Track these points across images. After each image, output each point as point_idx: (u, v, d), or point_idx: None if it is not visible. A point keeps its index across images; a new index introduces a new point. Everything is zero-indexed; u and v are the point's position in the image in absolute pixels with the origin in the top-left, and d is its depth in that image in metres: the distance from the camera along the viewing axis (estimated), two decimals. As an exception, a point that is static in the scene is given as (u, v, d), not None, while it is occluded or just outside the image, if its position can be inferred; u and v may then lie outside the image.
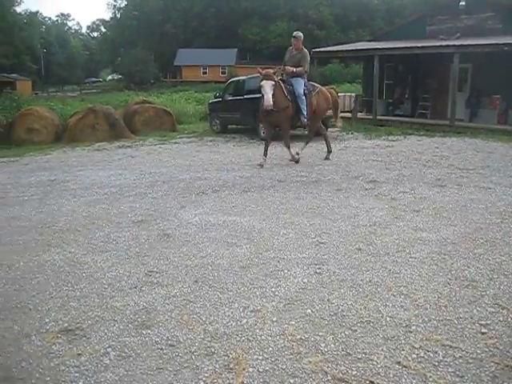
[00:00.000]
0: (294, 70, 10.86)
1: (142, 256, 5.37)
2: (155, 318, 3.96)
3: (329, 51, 24.56)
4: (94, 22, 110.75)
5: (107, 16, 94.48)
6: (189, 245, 5.68)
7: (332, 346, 3.49)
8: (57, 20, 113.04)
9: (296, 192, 8.16)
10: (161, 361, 3.36)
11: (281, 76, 11.02)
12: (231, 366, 3.28)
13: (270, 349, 3.47)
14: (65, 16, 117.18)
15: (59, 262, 5.32)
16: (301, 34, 11.19)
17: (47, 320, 4.00)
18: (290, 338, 3.60)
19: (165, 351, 3.48)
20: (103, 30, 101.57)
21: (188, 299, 4.27)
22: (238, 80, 18.66)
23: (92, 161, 12.73)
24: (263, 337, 3.62)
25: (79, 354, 3.47)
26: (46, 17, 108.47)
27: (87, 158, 13.25)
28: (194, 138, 17.34)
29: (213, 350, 3.46)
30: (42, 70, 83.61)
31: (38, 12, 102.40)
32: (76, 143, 16.41)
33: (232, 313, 4.00)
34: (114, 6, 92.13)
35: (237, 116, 17.39)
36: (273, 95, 10.13)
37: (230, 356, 3.39)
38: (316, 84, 11.76)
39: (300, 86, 10.82)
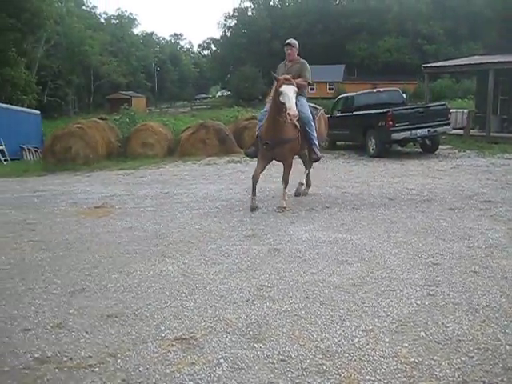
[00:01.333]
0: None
1: (253, 270, 5.45)
2: (266, 332, 4.00)
3: (439, 66, 23.89)
4: (204, 41, 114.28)
5: (217, 35, 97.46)
6: (299, 261, 5.70)
7: (447, 371, 3.37)
8: (170, 40, 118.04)
9: (407, 211, 7.97)
10: (272, 375, 3.38)
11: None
12: (343, 385, 3.25)
13: (383, 370, 3.40)
14: (178, 36, 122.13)
15: (173, 272, 5.52)
16: (295, 42, 8.89)
17: (163, 328, 4.15)
18: (403, 360, 3.51)
19: (276, 366, 3.50)
20: (213, 48, 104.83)
21: (299, 315, 4.28)
22: (347, 96, 18.61)
23: (203, 175, 13.11)
24: (375, 357, 3.56)
25: (193, 363, 3.57)
26: (160, 37, 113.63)
27: (198, 172, 13.67)
28: (301, 153, 17.41)
29: (324, 368, 3.44)
30: (155, 87, 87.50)
31: (153, 33, 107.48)
32: (187, 157, 16.96)
33: (343, 331, 3.96)
34: (224, 25, 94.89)
35: (346, 133, 17.30)
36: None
37: (342, 375, 3.36)
38: (317, 106, 9.74)
39: (306, 107, 8.56)
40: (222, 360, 3.59)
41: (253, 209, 8.34)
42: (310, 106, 8.86)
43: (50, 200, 10.50)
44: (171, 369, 3.51)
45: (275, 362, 3.55)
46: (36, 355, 3.76)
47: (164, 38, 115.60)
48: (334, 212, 8.08)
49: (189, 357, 3.66)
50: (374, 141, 15.50)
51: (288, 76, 7.85)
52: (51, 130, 24.84)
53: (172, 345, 3.85)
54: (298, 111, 7.84)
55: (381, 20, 76.71)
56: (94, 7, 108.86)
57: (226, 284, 5.07)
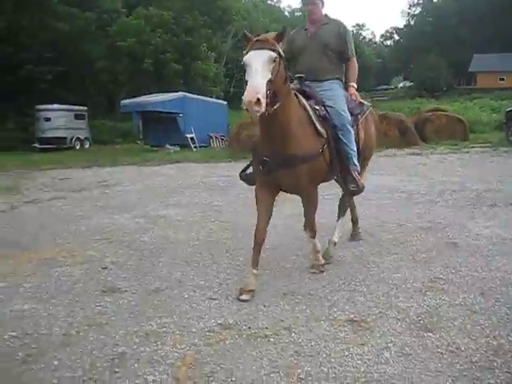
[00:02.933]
0: None
1: (429, 262, 5.42)
2: (437, 323, 4.00)
3: None
4: (387, 31, 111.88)
5: (401, 24, 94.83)
6: (477, 256, 5.55)
7: None
8: (352, 30, 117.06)
9: None
10: (440, 364, 3.40)
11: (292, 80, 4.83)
12: (514, 383, 3.19)
13: (562, 375, 3.26)
14: (360, 26, 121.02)
15: (349, 258, 5.70)
16: None
17: (335, 309, 4.33)
18: None
19: (445, 356, 3.50)
20: (396, 37, 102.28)
21: (472, 310, 4.21)
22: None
23: (380, 167, 13.06)
24: (554, 361, 3.42)
25: (362, 344, 3.70)
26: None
27: (377, 164, 13.60)
28: (487, 148, 16.58)
29: (495, 365, 3.37)
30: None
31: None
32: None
33: (519, 330, 3.85)
34: (408, 13, 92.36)
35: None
36: (271, 90, 4.05)
37: (513, 374, 3.29)
38: (362, 100, 5.81)
39: (340, 99, 5.16)
40: (390, 344, 3.68)
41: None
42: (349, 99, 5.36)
43: (234, 185, 11.15)
44: (341, 347, 3.67)
45: (444, 352, 3.56)
46: (219, 321, 4.16)
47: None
48: (519, 209, 7.68)
49: (359, 338, 3.80)
50: None
51: (269, 35, 4.37)
52: (236, 119, 26.10)
53: (343, 325, 4.02)
54: (327, 109, 4.98)
55: None
56: (279, 1, 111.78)
57: (400, 273, 5.11)
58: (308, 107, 4.74)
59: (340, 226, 5.95)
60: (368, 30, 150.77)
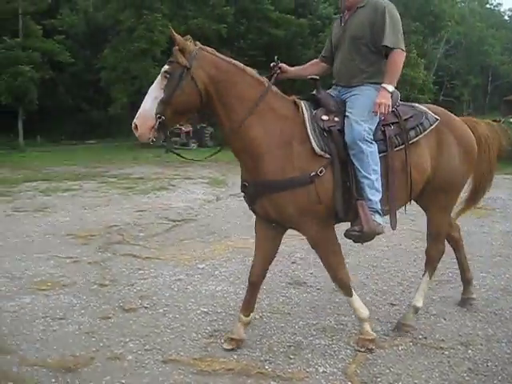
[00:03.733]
0: None
1: None
2: None
3: None
4: None
5: None
6: None
7: None
8: None
9: None
10: None
11: (313, 88, 3.84)
12: None
13: None
14: None
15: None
16: None
17: None
18: None
19: None
20: None
21: None
22: None
23: None
24: None
25: None
26: None
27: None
28: None
29: None
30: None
31: None
32: None
33: None
34: None
35: None
36: (168, 111, 3.41)
37: None
38: (425, 106, 4.37)
39: (362, 105, 3.68)
40: None
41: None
42: (405, 106, 4.19)
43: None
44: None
45: None
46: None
47: None
48: None
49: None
50: None
51: (181, 45, 3.44)
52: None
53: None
54: (346, 115, 3.67)
55: None
56: (499, 5, 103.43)
57: None
58: (307, 118, 3.60)
59: (424, 283, 4.36)
60: None
